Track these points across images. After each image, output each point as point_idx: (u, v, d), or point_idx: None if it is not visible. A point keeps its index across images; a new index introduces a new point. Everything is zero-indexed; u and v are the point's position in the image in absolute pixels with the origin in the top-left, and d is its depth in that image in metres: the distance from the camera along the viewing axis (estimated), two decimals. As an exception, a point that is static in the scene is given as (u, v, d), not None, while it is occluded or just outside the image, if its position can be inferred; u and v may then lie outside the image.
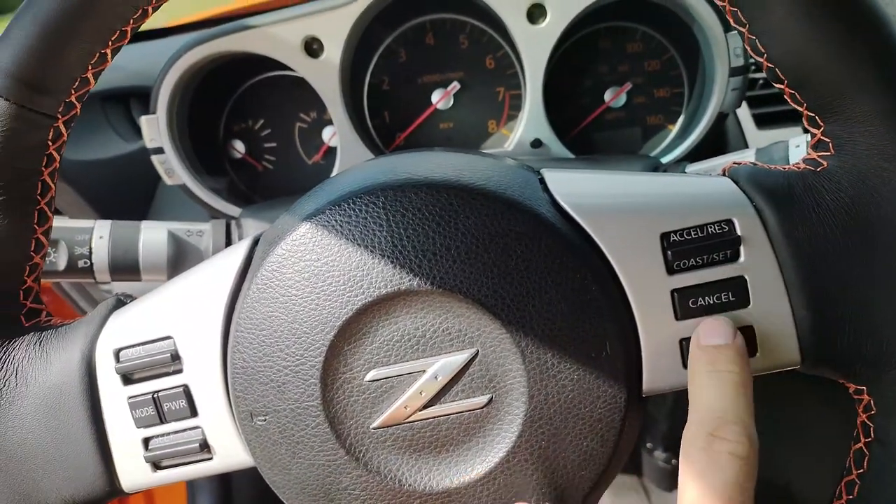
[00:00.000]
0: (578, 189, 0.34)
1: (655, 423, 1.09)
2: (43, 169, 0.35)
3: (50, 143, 0.35)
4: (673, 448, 1.12)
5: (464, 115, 0.72)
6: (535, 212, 0.32)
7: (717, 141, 0.69)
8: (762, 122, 0.69)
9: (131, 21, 0.33)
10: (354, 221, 0.33)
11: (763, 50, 0.32)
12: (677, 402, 0.88)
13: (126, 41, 0.34)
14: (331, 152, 0.73)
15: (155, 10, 0.34)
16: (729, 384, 0.30)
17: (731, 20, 0.32)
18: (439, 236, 0.32)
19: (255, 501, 0.93)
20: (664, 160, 0.65)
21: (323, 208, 0.33)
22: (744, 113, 0.70)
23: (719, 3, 0.32)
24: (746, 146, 0.70)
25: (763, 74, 0.68)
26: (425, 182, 0.33)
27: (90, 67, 0.34)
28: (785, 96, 0.33)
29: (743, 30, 0.32)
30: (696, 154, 0.65)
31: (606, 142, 0.71)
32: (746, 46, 0.33)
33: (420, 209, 0.32)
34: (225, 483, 0.91)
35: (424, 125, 0.72)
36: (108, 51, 0.34)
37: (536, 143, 0.65)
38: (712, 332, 0.32)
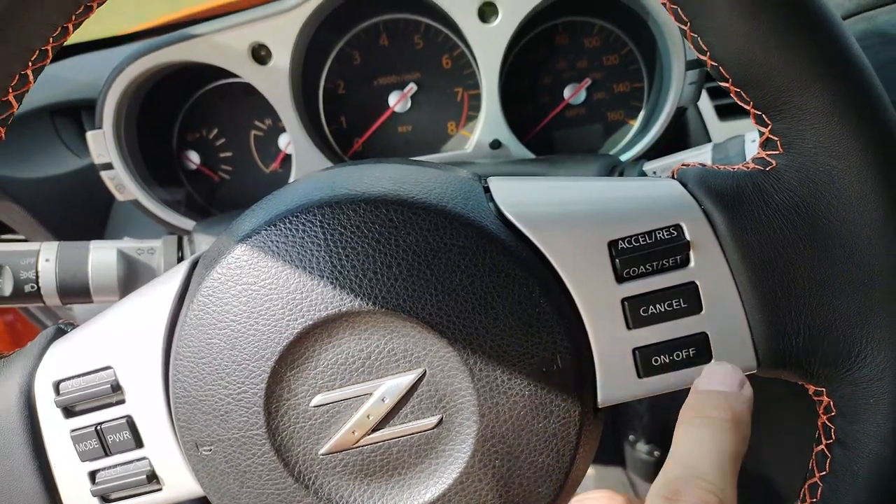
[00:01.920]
0: (524, 198, 0.33)
1: (638, 415, 1.09)
2: None
3: None
4: (655, 440, 1.12)
5: (422, 117, 0.71)
6: (478, 224, 0.31)
7: (679, 134, 0.69)
8: (723, 113, 0.69)
9: (51, 40, 0.32)
10: (291, 241, 0.31)
11: (705, 48, 0.31)
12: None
13: (47, 61, 0.33)
14: (288, 160, 0.72)
15: (76, 26, 0.33)
16: (709, 431, 0.27)
17: (672, 17, 0.32)
18: (379, 254, 0.31)
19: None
20: (625, 157, 0.64)
21: (259, 228, 0.32)
22: (705, 104, 0.70)
23: (660, 1, 0.31)
24: (709, 138, 0.69)
25: None
26: (363, 197, 0.32)
27: (10, 90, 0.32)
28: (731, 94, 0.33)
29: (685, 27, 0.31)
30: (657, 148, 0.65)
31: (567, 140, 0.71)
32: (689, 44, 0.32)
33: (358, 226, 0.31)
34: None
35: (383, 129, 0.71)
36: (29, 72, 0.32)
37: (496, 144, 0.64)
38: (714, 379, 0.29)
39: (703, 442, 0.28)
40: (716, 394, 0.29)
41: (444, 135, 0.71)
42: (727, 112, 0.69)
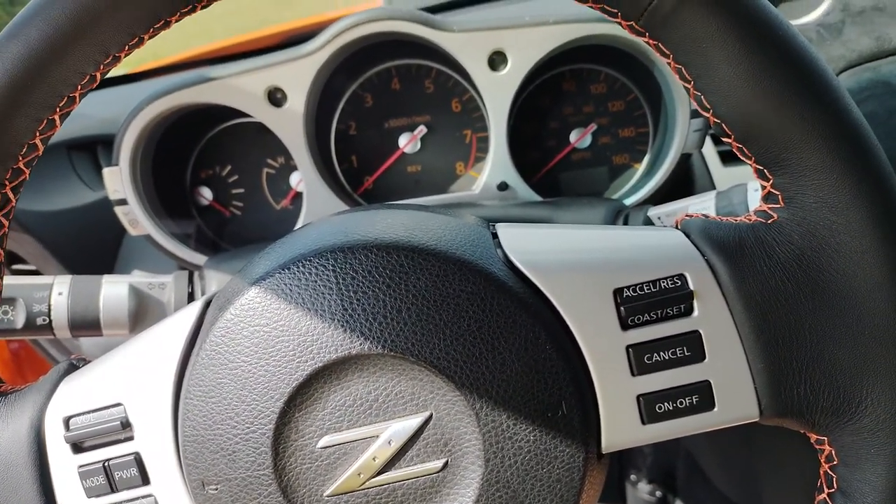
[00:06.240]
0: (531, 245, 0.34)
1: (642, 455, 1.08)
2: None
3: None
4: (658, 480, 1.11)
5: (431, 158, 0.72)
6: (486, 271, 0.32)
7: (684, 179, 0.70)
8: (727, 159, 0.70)
9: (79, 87, 0.33)
10: (304, 285, 0.32)
11: (708, 106, 0.32)
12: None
13: (75, 106, 0.34)
14: (299, 197, 0.73)
15: (104, 75, 0.34)
16: None
17: (676, 76, 0.33)
18: (390, 298, 0.32)
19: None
20: (630, 200, 0.65)
21: (272, 271, 0.33)
22: (709, 150, 0.71)
23: (665, 61, 0.33)
24: (712, 183, 0.70)
25: None
26: (375, 243, 0.32)
27: (38, 134, 0.33)
28: (733, 150, 0.33)
29: (689, 86, 0.32)
30: (662, 192, 0.66)
31: (573, 182, 0.72)
32: (692, 101, 0.33)
33: (370, 271, 0.32)
34: None
35: (393, 169, 0.72)
36: (57, 117, 0.33)
37: (503, 186, 0.65)
38: None
39: None
40: None
41: (452, 175, 0.72)
42: (730, 158, 0.70)
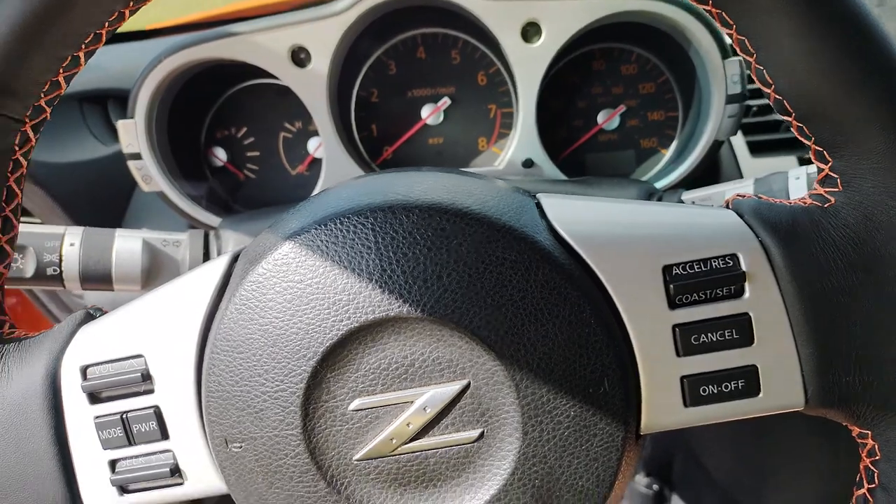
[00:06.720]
0: (577, 216, 0.33)
1: None
2: (9, 175, 0.33)
3: (17, 148, 0.33)
4: (655, 473, 1.11)
5: (454, 131, 0.70)
6: (531, 239, 0.31)
7: (711, 167, 0.68)
8: (756, 149, 0.69)
9: (106, 24, 0.32)
10: (341, 242, 0.31)
11: (771, 81, 0.31)
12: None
13: (101, 44, 0.33)
14: (316, 163, 0.71)
15: (132, 13, 0.33)
16: None
17: (737, 49, 0.31)
18: (430, 262, 0.30)
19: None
20: (658, 185, 0.64)
21: (308, 227, 0.32)
22: (737, 140, 0.70)
23: (726, 32, 0.31)
24: (740, 173, 0.69)
25: (758, 101, 0.67)
26: (417, 204, 0.31)
27: (61, 71, 0.32)
28: (792, 129, 0.32)
29: (751, 59, 0.31)
30: (690, 180, 0.65)
31: (599, 163, 0.70)
32: (753, 76, 0.32)
33: (411, 232, 0.31)
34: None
35: (413, 140, 0.71)
36: (81, 54, 0.32)
37: (528, 163, 0.64)
38: None
39: None
40: None
41: (474, 150, 0.71)
42: (760, 148, 0.69)
